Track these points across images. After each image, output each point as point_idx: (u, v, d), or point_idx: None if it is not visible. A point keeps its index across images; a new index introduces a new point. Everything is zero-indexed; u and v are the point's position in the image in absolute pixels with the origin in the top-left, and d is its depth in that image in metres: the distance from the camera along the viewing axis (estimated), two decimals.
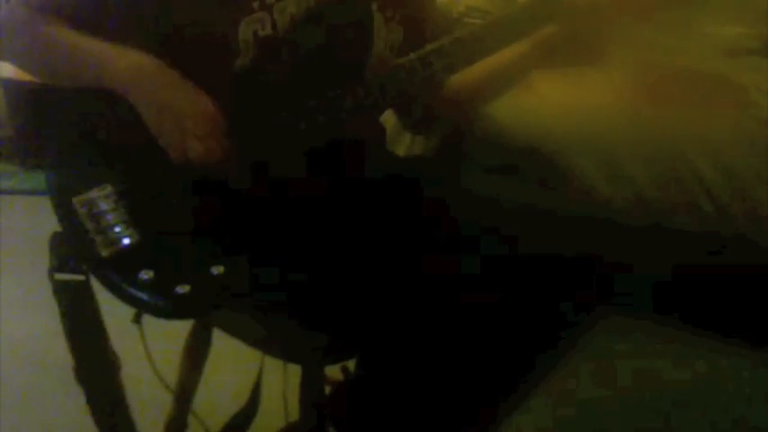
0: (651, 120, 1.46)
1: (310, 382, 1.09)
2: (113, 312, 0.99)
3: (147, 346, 1.03)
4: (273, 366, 1.08)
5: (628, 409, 1.51)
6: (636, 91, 1.51)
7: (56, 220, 0.96)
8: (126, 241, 0.92)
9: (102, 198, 0.93)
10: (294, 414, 1.12)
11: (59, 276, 0.95)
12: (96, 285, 0.95)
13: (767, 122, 1.41)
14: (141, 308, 0.97)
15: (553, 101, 1.46)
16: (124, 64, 0.97)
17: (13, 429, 1.60)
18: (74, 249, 0.94)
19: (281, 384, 1.12)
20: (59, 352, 1.01)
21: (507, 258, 1.00)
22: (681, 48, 1.55)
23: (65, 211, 0.93)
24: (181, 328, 1.25)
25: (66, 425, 1.59)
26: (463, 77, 1.13)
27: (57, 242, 0.95)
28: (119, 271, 0.92)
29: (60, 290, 0.95)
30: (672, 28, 1.55)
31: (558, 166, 1.41)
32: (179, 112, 0.95)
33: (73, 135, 0.97)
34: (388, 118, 1.31)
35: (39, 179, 3.00)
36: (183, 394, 1.27)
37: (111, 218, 0.93)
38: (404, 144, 1.54)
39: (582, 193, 1.39)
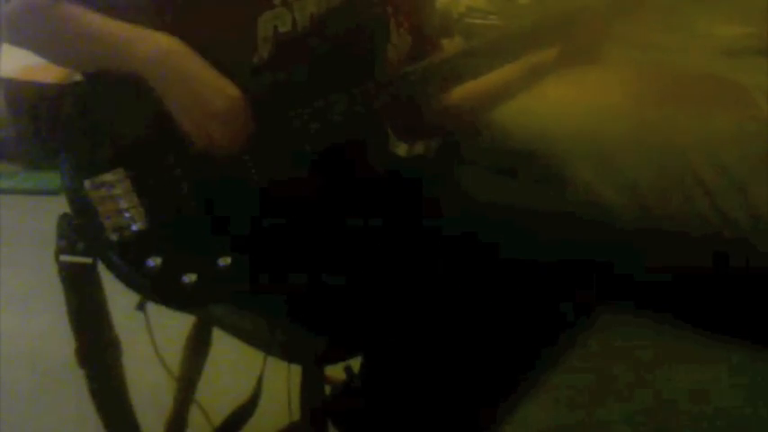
0: (651, 120, 1.47)
1: (311, 382, 1.09)
2: (117, 304, 1.00)
3: (152, 333, 1.02)
4: (278, 364, 1.09)
5: (627, 407, 1.51)
6: (636, 92, 1.52)
7: (56, 220, 0.96)
8: (135, 227, 0.92)
9: (115, 182, 0.93)
10: (297, 413, 1.12)
11: (65, 258, 0.94)
12: (103, 273, 0.95)
13: (767, 122, 1.42)
14: (146, 295, 0.97)
15: (553, 102, 1.47)
16: (148, 46, 0.96)
17: (13, 429, 1.60)
18: (82, 232, 0.94)
19: (286, 382, 1.12)
20: (59, 352, 1.01)
21: (507, 258, 1.01)
22: (681, 48, 1.55)
23: (75, 193, 0.93)
24: (183, 317, 1.24)
25: (66, 425, 1.58)
26: (466, 88, 1.14)
27: (65, 224, 0.95)
28: (126, 256, 0.92)
29: (66, 272, 0.95)
30: (672, 28, 1.55)
31: (557, 167, 1.41)
32: (205, 94, 0.95)
33: (82, 124, 0.97)
34: None
35: (39, 179, 3.01)
36: (185, 387, 1.27)
37: (122, 202, 0.93)
38: (404, 145, 1.54)
39: (581, 193, 1.39)
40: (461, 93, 1.15)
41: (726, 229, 1.40)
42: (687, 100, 1.48)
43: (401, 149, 1.47)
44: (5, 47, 1.08)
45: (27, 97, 2.44)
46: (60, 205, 0.96)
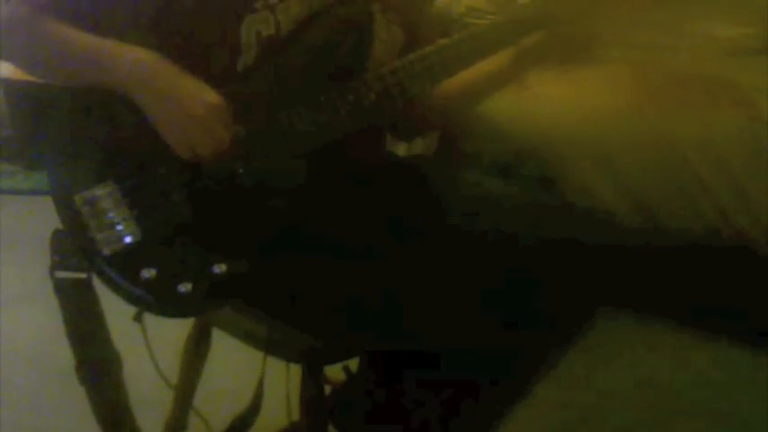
0: (650, 120, 1.46)
1: (310, 382, 1.09)
2: (113, 312, 0.99)
3: (149, 344, 1.02)
4: (277, 364, 1.09)
5: (626, 408, 1.51)
6: (635, 91, 1.51)
7: (56, 220, 0.96)
8: (128, 239, 0.93)
9: (105, 195, 0.93)
10: (297, 413, 1.12)
11: (60, 274, 0.94)
12: (98, 284, 0.95)
13: (767, 123, 1.41)
14: (143, 306, 0.97)
15: (551, 101, 1.46)
16: (124, 60, 0.96)
17: (13, 429, 1.60)
18: (75, 247, 0.94)
19: (285, 383, 1.12)
20: (59, 352, 1.01)
21: (506, 258, 1.01)
22: (681, 48, 1.55)
23: (67, 208, 0.93)
24: (181, 327, 1.25)
25: (66, 425, 1.59)
26: (453, 81, 1.14)
27: (58, 239, 0.95)
28: (120, 269, 0.92)
29: (62, 287, 0.95)
30: (672, 28, 1.55)
31: (556, 168, 1.41)
32: (183, 103, 0.95)
33: (74, 133, 0.97)
34: None
35: (39, 179, 3.02)
36: (184, 393, 1.27)
37: (113, 215, 0.93)
38: (403, 145, 1.54)
39: (580, 194, 1.39)
40: (450, 85, 1.15)
41: (725, 227, 1.40)
42: (687, 100, 1.48)
43: (400, 149, 1.47)
44: None
45: (27, 97, 2.44)
46: None
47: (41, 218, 0.99)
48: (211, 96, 0.96)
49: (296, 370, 1.10)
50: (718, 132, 1.41)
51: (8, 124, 2.58)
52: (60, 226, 0.95)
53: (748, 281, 1.39)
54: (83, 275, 0.94)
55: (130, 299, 0.93)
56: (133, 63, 0.96)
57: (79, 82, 0.99)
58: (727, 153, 1.38)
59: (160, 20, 1.02)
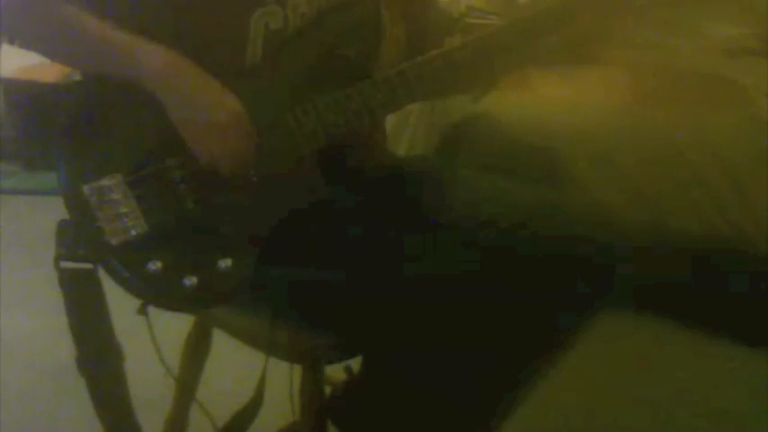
0: (650, 120, 1.47)
1: (311, 382, 1.09)
2: (117, 305, 0.99)
3: (153, 336, 1.02)
4: (280, 364, 1.09)
5: (626, 406, 1.51)
6: (635, 91, 1.52)
7: (56, 221, 0.96)
8: (135, 231, 0.93)
9: (113, 187, 0.93)
10: (300, 412, 1.12)
11: (66, 265, 0.94)
12: (102, 276, 0.95)
13: (767, 122, 1.42)
14: (148, 299, 0.96)
15: (554, 101, 1.47)
16: (149, 59, 0.95)
17: (13, 429, 1.60)
18: (82, 238, 0.93)
19: (288, 381, 1.12)
20: (59, 352, 1.01)
21: (506, 257, 1.01)
22: (681, 48, 1.55)
23: (74, 198, 0.93)
24: (183, 318, 1.25)
25: (66, 425, 1.59)
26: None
27: (64, 230, 0.95)
28: (126, 261, 0.92)
29: (66, 278, 0.95)
30: (672, 28, 1.55)
31: (556, 165, 1.41)
32: (206, 110, 0.95)
33: (80, 128, 0.96)
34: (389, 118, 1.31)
35: (39, 179, 3.02)
36: (185, 389, 1.27)
37: (120, 207, 0.93)
38: (404, 143, 1.55)
39: (580, 192, 1.39)
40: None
41: (725, 227, 1.40)
42: (687, 100, 1.48)
43: (401, 148, 1.47)
44: (5, 47, 1.08)
45: (27, 97, 2.45)
46: (60, 205, 0.96)
47: (41, 218, 0.99)
48: (233, 104, 0.96)
49: (298, 368, 1.10)
50: (718, 131, 1.42)
51: (8, 124, 2.58)
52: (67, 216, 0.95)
53: (748, 280, 1.40)
54: (88, 266, 0.94)
55: (135, 291, 0.93)
56: (157, 62, 0.95)
57: (97, 70, 0.98)
58: (726, 152, 1.39)
59: (172, 11, 1.01)
